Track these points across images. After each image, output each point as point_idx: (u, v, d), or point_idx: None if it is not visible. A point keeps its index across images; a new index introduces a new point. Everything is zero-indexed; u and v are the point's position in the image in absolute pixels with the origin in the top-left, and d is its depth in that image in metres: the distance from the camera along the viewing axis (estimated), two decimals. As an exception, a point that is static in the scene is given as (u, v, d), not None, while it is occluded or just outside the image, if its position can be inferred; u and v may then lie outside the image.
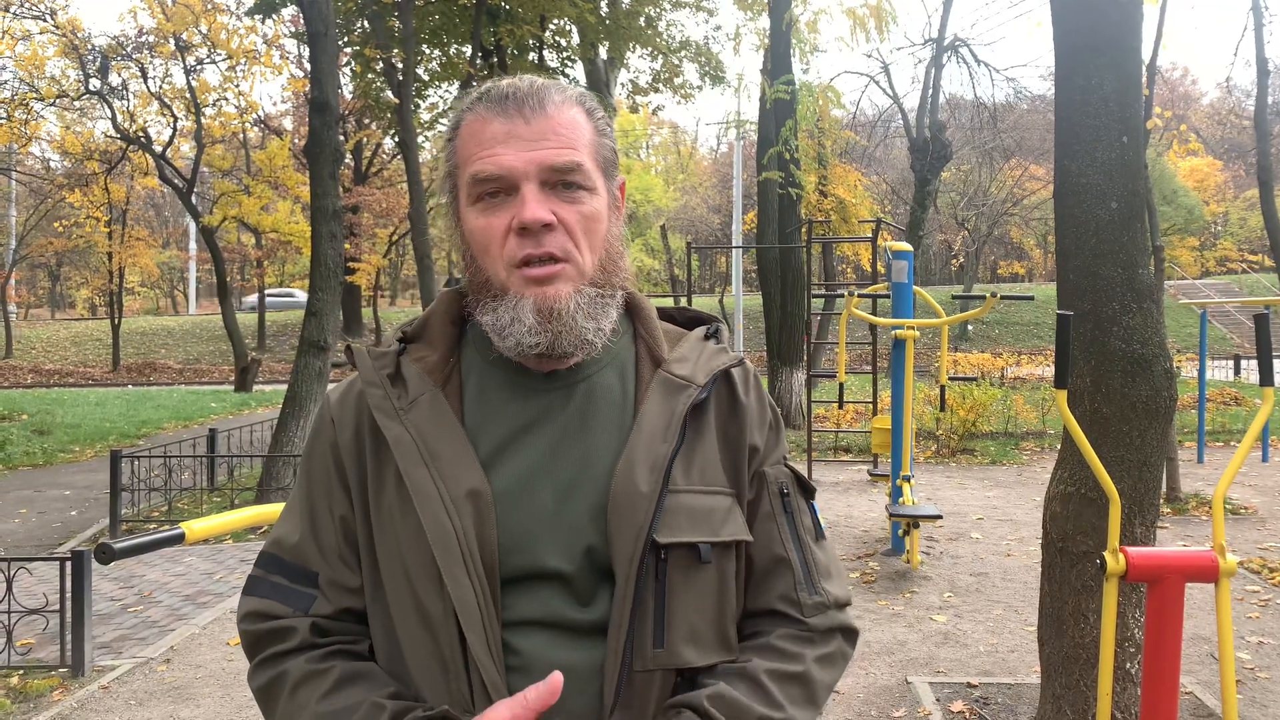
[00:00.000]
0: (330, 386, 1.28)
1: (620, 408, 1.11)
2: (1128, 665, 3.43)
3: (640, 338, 1.17)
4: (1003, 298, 6.94)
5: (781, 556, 1.14)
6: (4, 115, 22.92)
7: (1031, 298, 7.63)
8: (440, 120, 18.37)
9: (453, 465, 1.04)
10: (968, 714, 4.13)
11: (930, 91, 20.77)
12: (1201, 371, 11.24)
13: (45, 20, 22.14)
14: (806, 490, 1.21)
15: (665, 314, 1.25)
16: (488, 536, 1.02)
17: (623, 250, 1.15)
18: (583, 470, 1.06)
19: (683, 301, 15.09)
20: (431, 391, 1.09)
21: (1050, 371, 19.54)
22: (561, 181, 1.05)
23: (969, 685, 4.46)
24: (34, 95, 23.27)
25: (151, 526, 8.30)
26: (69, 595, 4.73)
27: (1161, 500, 3.66)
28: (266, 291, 35.66)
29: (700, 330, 1.20)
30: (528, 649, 1.01)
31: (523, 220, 1.03)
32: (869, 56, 39.80)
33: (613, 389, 1.12)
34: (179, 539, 2.33)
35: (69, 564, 4.73)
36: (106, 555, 2.02)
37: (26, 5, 21.96)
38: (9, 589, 4.70)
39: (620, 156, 1.20)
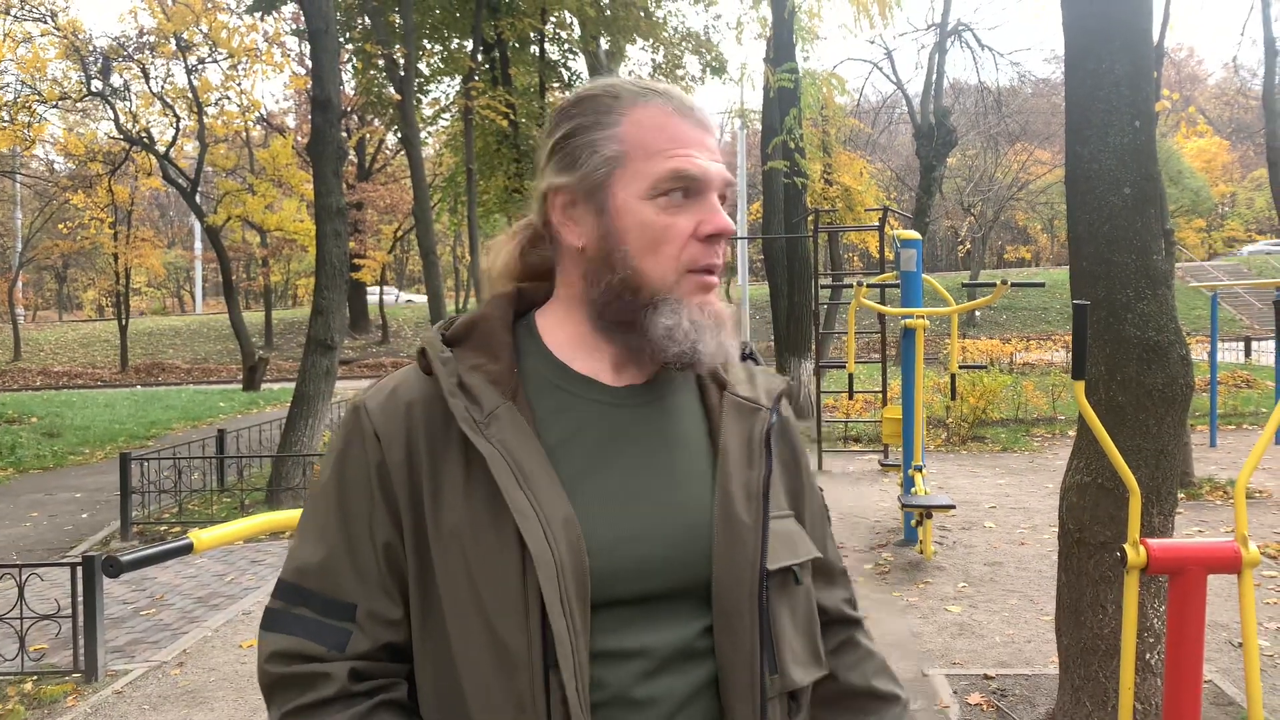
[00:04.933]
0: (369, 386, 1.18)
1: (699, 430, 1.09)
2: (1147, 656, 3.39)
3: None
4: (1013, 285, 6.89)
5: (837, 565, 1.24)
6: (7, 118, 22.94)
7: (1042, 284, 7.56)
8: (443, 115, 18.32)
9: (544, 488, 0.97)
10: (985, 706, 4.10)
11: (934, 77, 20.69)
12: (1213, 355, 11.19)
13: (46, 22, 22.11)
14: None
15: None
16: (581, 565, 0.96)
17: None
18: (670, 494, 1.03)
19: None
20: (506, 405, 1.01)
21: (1060, 356, 19.46)
22: (722, 196, 1.08)
23: (986, 677, 4.43)
24: (36, 98, 23.26)
25: (162, 529, 8.30)
26: (81, 600, 4.72)
27: (1178, 488, 3.63)
28: None
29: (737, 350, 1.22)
30: (613, 680, 0.97)
31: (719, 228, 1.04)
32: (872, 43, 39.64)
33: (689, 410, 1.10)
34: (187, 549, 2.31)
35: (80, 569, 4.73)
36: (114, 569, 2.00)
37: (27, 8, 21.94)
38: (20, 595, 4.69)
39: None
